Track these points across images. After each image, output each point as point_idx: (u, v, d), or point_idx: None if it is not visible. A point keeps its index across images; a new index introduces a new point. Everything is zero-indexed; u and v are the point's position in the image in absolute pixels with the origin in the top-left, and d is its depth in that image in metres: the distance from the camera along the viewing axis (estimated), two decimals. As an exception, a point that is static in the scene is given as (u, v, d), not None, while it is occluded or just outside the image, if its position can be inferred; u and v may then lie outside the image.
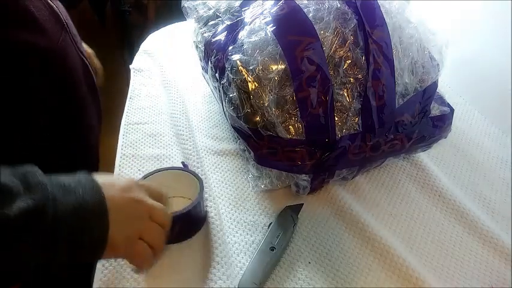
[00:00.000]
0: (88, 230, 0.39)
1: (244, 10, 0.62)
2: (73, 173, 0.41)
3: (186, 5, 0.71)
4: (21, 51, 0.53)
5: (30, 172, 0.37)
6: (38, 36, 0.55)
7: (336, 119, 0.55)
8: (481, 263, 0.55)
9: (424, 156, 0.69)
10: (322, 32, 0.55)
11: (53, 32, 0.58)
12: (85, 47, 0.74)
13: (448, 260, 0.55)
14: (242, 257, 0.53)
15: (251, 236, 0.56)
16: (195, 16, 0.70)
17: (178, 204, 0.54)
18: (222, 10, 0.65)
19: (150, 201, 0.46)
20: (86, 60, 0.67)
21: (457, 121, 0.70)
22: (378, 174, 0.66)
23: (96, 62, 0.82)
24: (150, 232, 0.45)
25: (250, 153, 0.58)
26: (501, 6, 0.76)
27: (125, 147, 0.70)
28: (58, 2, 0.63)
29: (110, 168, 0.67)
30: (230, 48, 0.58)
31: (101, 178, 0.42)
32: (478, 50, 0.85)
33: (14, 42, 0.51)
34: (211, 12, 0.67)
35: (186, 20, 0.72)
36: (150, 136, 0.72)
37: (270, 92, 0.54)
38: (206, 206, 0.59)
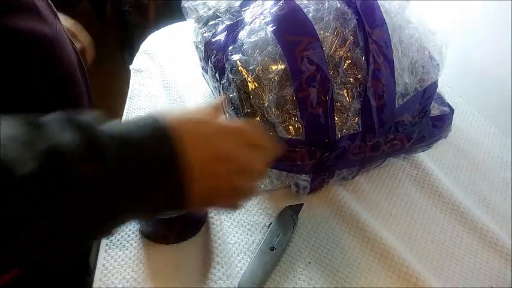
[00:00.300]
0: (159, 197, 0.33)
1: (244, 10, 0.62)
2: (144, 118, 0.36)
3: (186, 5, 0.71)
4: (25, 39, 0.52)
5: (93, 130, 0.33)
6: (42, 24, 0.55)
7: (336, 119, 0.55)
8: (481, 263, 0.55)
9: (424, 156, 0.69)
10: (322, 32, 0.55)
11: (51, 20, 0.58)
12: (71, 24, 0.72)
13: (448, 260, 0.55)
14: (242, 257, 0.53)
15: (251, 236, 0.56)
16: (195, 16, 0.70)
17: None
18: (222, 10, 0.65)
19: (239, 154, 0.38)
20: (77, 51, 0.67)
21: (457, 121, 0.70)
22: (378, 174, 0.66)
23: (83, 38, 0.74)
24: (239, 191, 0.39)
25: (250, 153, 0.58)
26: (501, 6, 0.76)
27: (125, 147, 0.69)
28: None
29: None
30: (230, 48, 0.58)
31: (177, 121, 0.35)
32: (478, 50, 0.85)
33: (16, 30, 0.51)
34: (211, 12, 0.67)
35: (186, 20, 0.72)
36: (150, 136, 0.72)
37: (270, 92, 0.54)
38: (206, 206, 0.59)
